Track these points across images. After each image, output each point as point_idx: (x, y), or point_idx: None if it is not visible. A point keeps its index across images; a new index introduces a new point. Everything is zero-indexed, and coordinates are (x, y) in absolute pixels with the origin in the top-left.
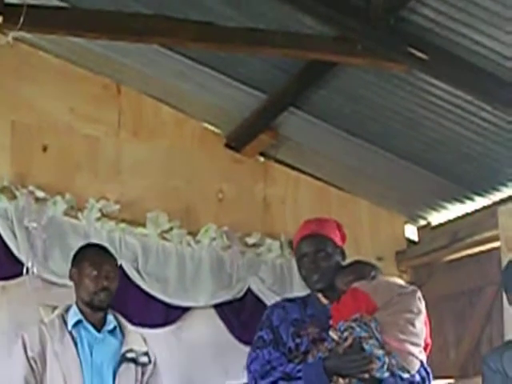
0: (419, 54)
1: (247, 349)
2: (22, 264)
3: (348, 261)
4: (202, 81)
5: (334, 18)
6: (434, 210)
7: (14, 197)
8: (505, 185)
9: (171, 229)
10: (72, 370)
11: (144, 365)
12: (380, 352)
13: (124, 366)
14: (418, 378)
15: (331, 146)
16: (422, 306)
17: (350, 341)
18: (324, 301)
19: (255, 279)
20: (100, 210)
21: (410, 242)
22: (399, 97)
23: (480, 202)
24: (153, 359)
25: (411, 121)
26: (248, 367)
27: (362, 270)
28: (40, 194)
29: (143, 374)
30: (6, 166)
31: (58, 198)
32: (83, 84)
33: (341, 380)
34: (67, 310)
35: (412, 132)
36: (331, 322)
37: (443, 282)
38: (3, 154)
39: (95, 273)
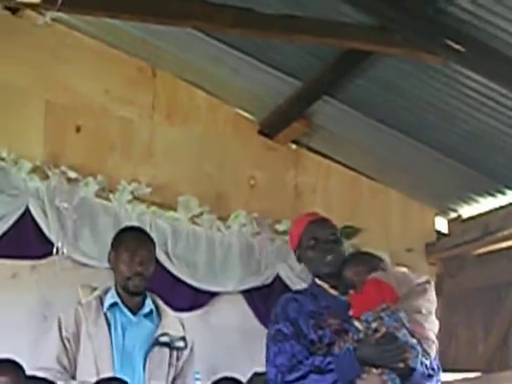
0: (456, 46)
1: None
2: (52, 244)
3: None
4: (237, 66)
5: (372, 7)
6: (465, 202)
7: (47, 177)
8: None
9: (202, 213)
10: (103, 352)
11: (180, 349)
12: (414, 341)
13: (156, 349)
14: (435, 365)
15: (364, 136)
16: (434, 295)
17: (383, 331)
18: (333, 292)
19: (284, 266)
20: (131, 193)
21: (440, 234)
22: (434, 88)
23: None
24: (190, 345)
25: (445, 113)
26: (272, 362)
27: (372, 261)
28: (72, 174)
29: (178, 358)
30: (39, 145)
31: (90, 178)
32: (118, 66)
33: (374, 370)
34: (106, 291)
35: (446, 124)
36: (352, 313)
37: (473, 275)
38: (37, 134)
39: (129, 258)
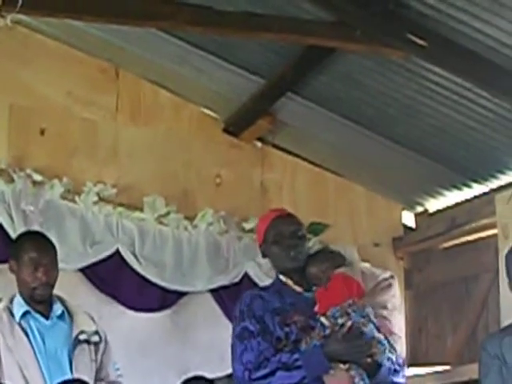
0: (418, 41)
1: None
2: None
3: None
4: (201, 65)
5: (332, 3)
6: (432, 196)
7: (12, 180)
8: (503, 172)
9: (168, 213)
10: (28, 361)
11: (96, 343)
12: (381, 336)
13: (78, 348)
14: (401, 360)
15: (329, 132)
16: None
17: (348, 326)
18: (297, 288)
19: (252, 264)
20: (97, 194)
21: (408, 228)
22: (398, 83)
23: (478, 189)
24: (103, 337)
25: (410, 107)
26: (239, 359)
27: (337, 257)
28: (37, 177)
29: (96, 352)
30: (4, 148)
31: (56, 181)
32: (81, 67)
33: (341, 365)
34: (11, 300)
35: (410, 118)
36: (318, 309)
37: (440, 269)
38: (1, 137)
39: (33, 268)
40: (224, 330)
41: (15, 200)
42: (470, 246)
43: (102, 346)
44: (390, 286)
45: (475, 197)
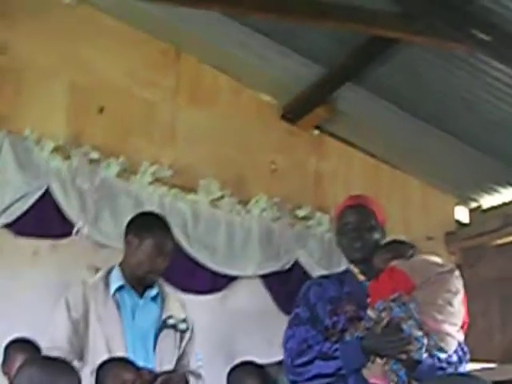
0: (482, 36)
1: None
2: (72, 224)
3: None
4: (262, 51)
5: None
6: (486, 192)
7: (68, 157)
8: None
9: (222, 197)
10: (114, 334)
11: (182, 331)
12: (419, 333)
13: (165, 332)
14: (455, 358)
15: (387, 124)
16: (460, 284)
17: (386, 320)
18: (361, 277)
19: (303, 252)
20: (153, 175)
21: (460, 224)
22: (459, 78)
23: None
24: (190, 326)
25: (469, 102)
26: (284, 345)
27: (400, 248)
28: (94, 155)
29: (181, 340)
30: (62, 126)
31: (112, 160)
32: (142, 48)
33: (378, 360)
34: (109, 271)
35: (469, 113)
36: (369, 301)
37: (492, 265)
38: (59, 114)
39: (156, 253)
40: (273, 316)
41: (71, 177)
42: None
43: (187, 334)
44: (444, 280)
45: None
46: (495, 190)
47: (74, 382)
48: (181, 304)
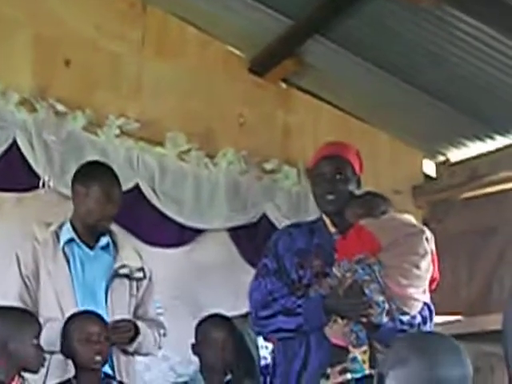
0: None
1: None
2: (38, 177)
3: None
4: (228, 3)
5: None
6: (454, 146)
7: (34, 109)
8: None
9: (189, 150)
10: (64, 289)
11: (139, 280)
12: (380, 298)
13: (116, 281)
14: (419, 318)
15: (355, 77)
16: (430, 246)
17: (349, 282)
18: (331, 229)
19: (270, 205)
20: (119, 127)
21: (428, 177)
22: (427, 31)
23: (501, 141)
24: (148, 274)
25: (437, 55)
26: (249, 296)
27: (373, 202)
28: (60, 107)
29: (138, 288)
30: (28, 78)
31: (78, 112)
32: (109, 0)
33: (339, 320)
34: (61, 226)
35: (437, 67)
36: (336, 257)
37: (459, 220)
38: (25, 66)
39: (105, 199)
40: (240, 269)
41: (37, 129)
42: (489, 198)
43: (145, 282)
44: (412, 242)
45: (498, 149)
46: (463, 144)
47: (36, 330)
48: (137, 253)
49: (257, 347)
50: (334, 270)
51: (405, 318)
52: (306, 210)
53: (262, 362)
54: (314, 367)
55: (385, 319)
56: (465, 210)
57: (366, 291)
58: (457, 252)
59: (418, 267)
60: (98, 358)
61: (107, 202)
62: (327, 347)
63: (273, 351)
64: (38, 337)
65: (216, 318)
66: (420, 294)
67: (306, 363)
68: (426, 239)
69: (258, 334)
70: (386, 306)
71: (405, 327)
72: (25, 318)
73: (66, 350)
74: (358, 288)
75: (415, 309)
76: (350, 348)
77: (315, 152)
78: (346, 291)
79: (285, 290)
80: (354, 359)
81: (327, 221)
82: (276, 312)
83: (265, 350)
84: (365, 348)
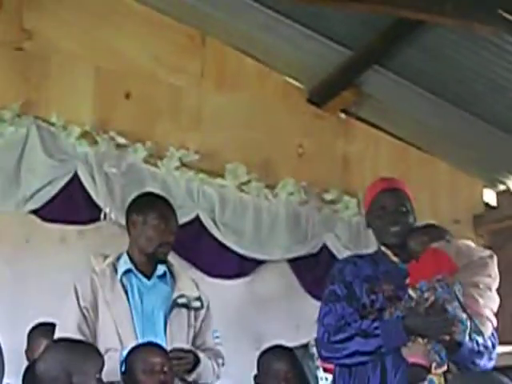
0: (509, 17)
1: (319, 304)
2: (99, 209)
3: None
4: (287, 34)
5: None
6: None
7: (95, 142)
8: None
9: (249, 181)
10: (123, 319)
11: (196, 309)
12: (463, 315)
13: (175, 311)
14: (489, 342)
15: (413, 106)
16: (497, 270)
17: (431, 301)
18: (394, 258)
19: (331, 236)
20: (179, 159)
21: (488, 206)
22: (486, 59)
23: None
24: (205, 304)
25: (496, 83)
26: (321, 320)
27: (437, 232)
28: (121, 140)
29: (196, 318)
30: (89, 111)
31: (139, 145)
32: (168, 33)
33: (420, 340)
34: (118, 258)
35: (496, 95)
36: (408, 281)
37: None
38: (86, 100)
39: (163, 226)
40: (300, 300)
41: (98, 162)
42: None
43: (202, 312)
44: (485, 264)
45: None
46: None
47: (99, 364)
48: (194, 282)
49: (316, 379)
50: (410, 291)
51: (480, 340)
52: (366, 240)
53: None
54: None
55: (467, 337)
56: None
57: (449, 308)
58: None
59: (490, 289)
60: None
61: (165, 227)
62: (404, 368)
63: (334, 378)
64: (100, 371)
65: (278, 349)
66: (492, 317)
67: None
68: (495, 264)
69: (327, 359)
70: (468, 323)
71: (481, 349)
72: (90, 351)
73: (130, 382)
74: (440, 306)
75: (489, 330)
76: (433, 367)
77: (369, 188)
78: (428, 310)
79: (356, 316)
80: (431, 381)
81: (388, 252)
82: (352, 335)
83: (324, 381)
84: (445, 368)
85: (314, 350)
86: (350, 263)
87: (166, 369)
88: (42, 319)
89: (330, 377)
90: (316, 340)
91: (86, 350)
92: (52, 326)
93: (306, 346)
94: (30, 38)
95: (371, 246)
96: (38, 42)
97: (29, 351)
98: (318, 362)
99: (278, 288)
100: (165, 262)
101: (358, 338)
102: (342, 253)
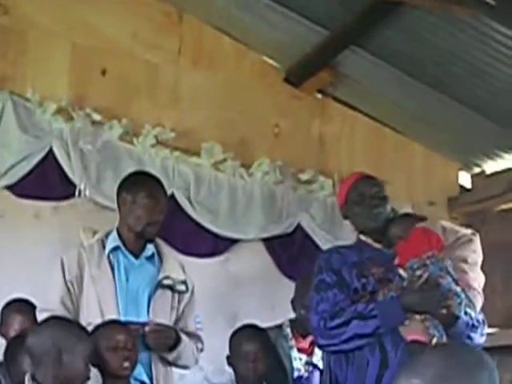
0: None
1: (293, 284)
2: (74, 186)
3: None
4: (265, 13)
5: None
6: (490, 158)
7: (71, 118)
8: None
9: (225, 160)
10: (107, 295)
11: (181, 292)
12: (457, 288)
13: (159, 292)
14: (480, 317)
15: (390, 88)
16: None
17: (425, 277)
18: (376, 245)
19: (306, 216)
20: (155, 137)
21: (464, 189)
22: (463, 42)
23: None
24: (190, 287)
25: (473, 67)
26: (314, 309)
27: (418, 217)
28: (96, 117)
29: (179, 301)
30: (65, 87)
31: (115, 122)
32: (145, 9)
33: (417, 316)
34: (107, 234)
35: (473, 78)
36: (398, 261)
37: (494, 231)
38: (62, 76)
39: (152, 204)
40: (275, 280)
41: (73, 138)
42: None
43: (187, 296)
44: (470, 241)
45: None
46: (499, 156)
47: (89, 348)
48: (180, 266)
49: (290, 359)
50: (401, 271)
51: (473, 314)
52: (341, 220)
53: (295, 374)
54: (394, 367)
55: (462, 311)
56: (500, 221)
57: (443, 283)
58: (492, 263)
59: (476, 264)
60: (127, 364)
61: (154, 206)
62: (403, 346)
63: (329, 367)
64: (89, 355)
65: (248, 330)
66: (481, 291)
67: (386, 365)
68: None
69: (325, 346)
70: (463, 296)
71: (475, 322)
72: (82, 334)
73: (94, 359)
74: (434, 282)
75: (479, 305)
76: (433, 343)
77: (344, 181)
78: (422, 286)
79: (348, 301)
80: None
81: (369, 240)
82: (349, 319)
83: (298, 361)
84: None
85: (288, 330)
86: (334, 252)
87: (129, 345)
88: (16, 295)
89: (304, 357)
90: (311, 329)
91: (79, 331)
92: (26, 302)
93: (280, 327)
94: (6, 12)
95: (346, 226)
96: (15, 17)
97: (2, 327)
98: (293, 342)
99: (253, 267)
100: (152, 241)
101: (356, 321)
102: (316, 233)
